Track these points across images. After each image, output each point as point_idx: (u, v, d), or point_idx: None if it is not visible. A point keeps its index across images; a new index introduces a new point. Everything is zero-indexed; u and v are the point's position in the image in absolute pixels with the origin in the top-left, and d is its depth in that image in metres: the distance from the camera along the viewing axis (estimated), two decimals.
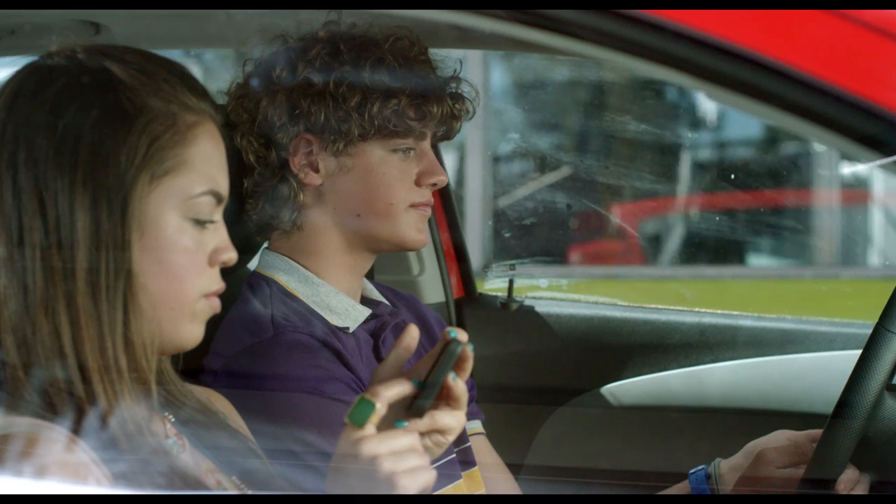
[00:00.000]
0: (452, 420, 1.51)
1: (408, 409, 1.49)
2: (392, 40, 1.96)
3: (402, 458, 1.45)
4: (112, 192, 1.38)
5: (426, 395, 1.47)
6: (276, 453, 1.65)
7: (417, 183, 1.99)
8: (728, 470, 2.07)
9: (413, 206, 1.99)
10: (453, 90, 2.01)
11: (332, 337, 1.93)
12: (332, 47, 1.95)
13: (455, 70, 2.03)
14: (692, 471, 2.11)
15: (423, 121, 1.96)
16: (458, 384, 1.49)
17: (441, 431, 1.51)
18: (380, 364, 1.57)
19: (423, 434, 1.50)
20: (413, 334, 1.56)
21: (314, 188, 1.97)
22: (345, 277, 2.00)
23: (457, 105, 2.00)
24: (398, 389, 1.47)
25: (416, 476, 1.45)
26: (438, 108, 1.97)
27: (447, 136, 2.05)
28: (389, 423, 1.49)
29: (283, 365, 1.88)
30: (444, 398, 1.49)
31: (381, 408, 1.46)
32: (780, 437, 2.07)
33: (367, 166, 1.97)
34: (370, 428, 1.45)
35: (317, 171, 1.96)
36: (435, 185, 2.00)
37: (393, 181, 1.97)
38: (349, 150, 1.96)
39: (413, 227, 1.99)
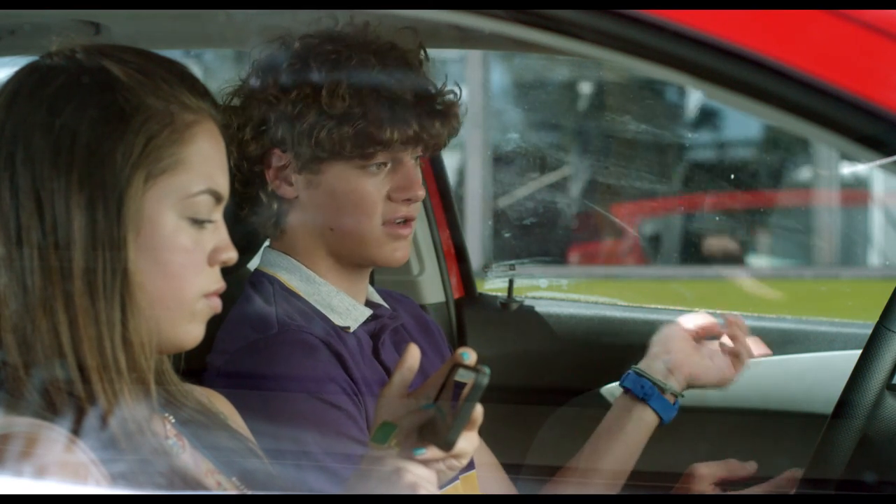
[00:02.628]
0: (467, 444, 1.51)
1: (419, 433, 1.50)
2: (356, 62, 1.92)
3: (421, 481, 1.46)
4: (108, 190, 1.38)
5: (456, 429, 1.47)
6: (274, 452, 1.65)
7: (391, 198, 1.95)
8: (651, 362, 2.17)
9: (387, 223, 1.95)
10: (430, 109, 1.93)
11: (334, 338, 1.93)
12: (301, 63, 1.94)
13: (435, 90, 1.96)
14: (622, 380, 2.17)
15: (378, 146, 1.91)
16: (477, 409, 1.50)
17: (456, 456, 1.51)
18: (385, 386, 1.57)
19: (437, 459, 1.51)
20: (415, 354, 1.56)
21: (292, 199, 1.97)
22: (345, 278, 2.00)
23: (426, 126, 1.93)
24: (415, 418, 1.49)
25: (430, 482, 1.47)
26: (398, 132, 1.91)
27: (429, 153, 2.00)
28: (405, 447, 1.50)
29: (284, 363, 1.88)
30: None
31: (400, 433, 1.48)
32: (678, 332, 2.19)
33: (334, 183, 1.94)
34: (392, 448, 1.47)
35: (290, 184, 1.96)
36: (409, 200, 1.95)
37: (360, 199, 1.94)
38: (312, 168, 1.94)
39: (386, 246, 1.96)
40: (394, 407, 1.53)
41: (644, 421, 2.16)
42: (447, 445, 1.47)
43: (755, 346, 2.21)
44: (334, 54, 1.93)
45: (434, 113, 1.94)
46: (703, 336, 2.21)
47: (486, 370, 1.47)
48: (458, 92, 1.99)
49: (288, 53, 1.95)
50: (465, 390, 1.47)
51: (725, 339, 2.20)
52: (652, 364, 2.18)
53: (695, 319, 2.22)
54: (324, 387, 1.86)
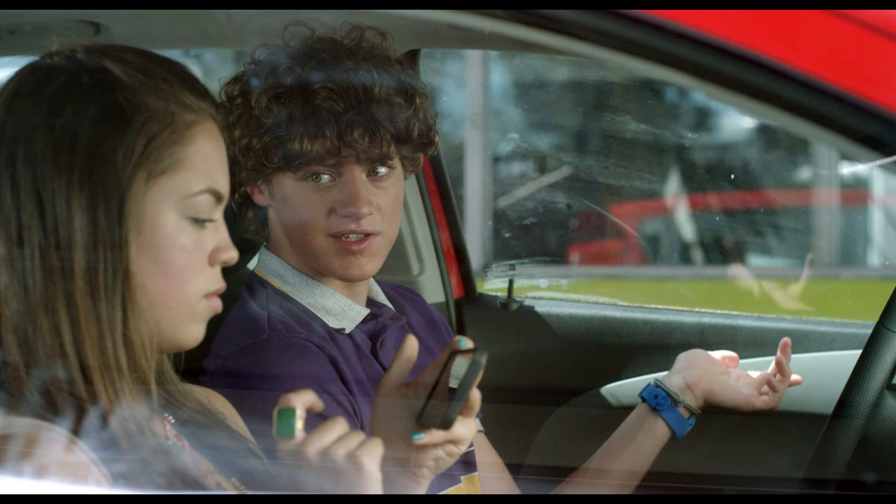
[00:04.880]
0: (465, 430, 1.51)
1: (418, 420, 1.50)
2: (282, 70, 1.91)
3: (347, 440, 1.45)
4: (109, 190, 1.38)
5: (454, 407, 1.47)
6: (270, 454, 1.65)
7: (336, 212, 1.93)
8: (672, 376, 2.20)
9: (335, 237, 1.93)
10: (351, 120, 1.89)
11: (328, 342, 1.93)
12: (242, 78, 1.95)
13: (361, 99, 1.92)
14: (641, 391, 2.20)
15: (300, 158, 1.90)
16: (474, 393, 1.50)
17: (454, 441, 1.51)
18: (384, 376, 1.57)
19: (436, 445, 1.50)
20: (413, 345, 1.56)
21: (266, 206, 1.99)
22: (338, 280, 2.00)
23: (346, 136, 1.89)
24: (307, 396, 1.47)
25: (371, 450, 1.45)
26: (311, 143, 1.89)
27: (376, 163, 1.94)
28: (400, 434, 1.49)
29: (274, 368, 1.88)
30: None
31: (301, 412, 1.45)
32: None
33: (283, 195, 1.95)
34: (301, 434, 1.45)
35: (262, 192, 1.98)
36: (348, 216, 1.92)
37: (302, 210, 1.94)
38: (262, 178, 1.95)
39: (337, 260, 1.94)
40: (392, 397, 1.53)
41: (655, 432, 2.17)
42: (446, 424, 1.47)
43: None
44: (274, 66, 1.94)
45: (355, 123, 1.90)
46: (730, 364, 2.24)
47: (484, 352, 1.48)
48: (412, 99, 1.95)
49: (244, 70, 1.97)
50: (464, 369, 1.48)
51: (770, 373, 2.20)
52: (672, 377, 2.20)
53: (724, 353, 2.26)
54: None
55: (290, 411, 1.44)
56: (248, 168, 1.95)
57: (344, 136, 1.90)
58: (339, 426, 1.47)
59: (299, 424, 1.44)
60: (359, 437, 1.46)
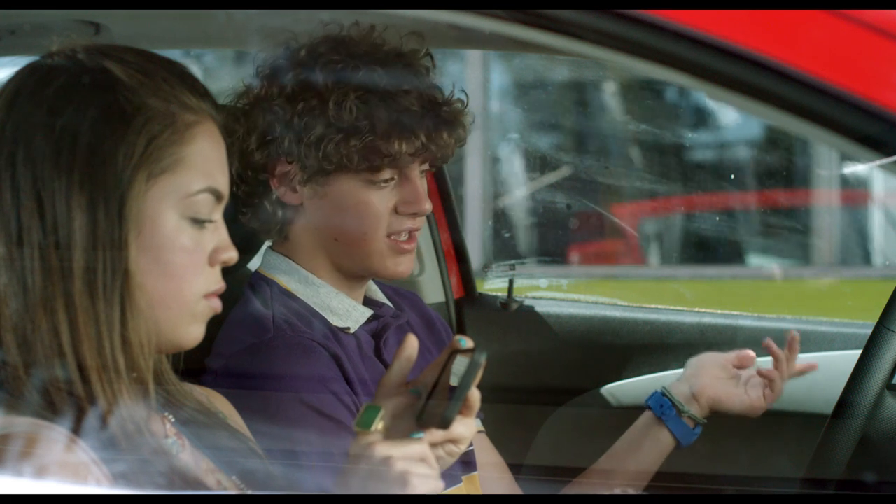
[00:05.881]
0: (465, 429, 1.51)
1: (418, 419, 1.50)
2: (363, 72, 1.90)
3: (415, 463, 1.45)
4: (109, 191, 1.38)
5: (453, 407, 1.47)
6: (273, 453, 1.65)
7: (398, 211, 1.93)
8: (679, 383, 2.18)
9: (392, 235, 1.94)
10: (437, 119, 1.91)
11: (332, 341, 1.93)
12: (308, 74, 1.92)
13: (442, 98, 1.94)
14: (647, 398, 2.19)
15: (386, 159, 1.89)
16: (474, 393, 1.50)
17: (454, 441, 1.51)
18: (384, 375, 1.57)
19: (436, 444, 1.51)
20: (413, 344, 1.56)
21: (296, 206, 1.96)
22: (344, 280, 2.00)
23: (434, 136, 1.90)
24: (400, 399, 1.51)
25: (428, 482, 1.45)
26: (406, 144, 1.89)
27: (437, 165, 1.97)
28: (400, 434, 1.50)
29: (280, 367, 1.88)
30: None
31: (385, 412, 1.48)
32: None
33: (340, 196, 1.93)
34: (377, 434, 1.46)
35: (295, 191, 1.94)
36: (415, 214, 1.94)
37: (365, 212, 1.92)
38: (318, 179, 1.92)
39: (389, 259, 1.94)
40: (392, 396, 1.53)
41: (660, 441, 2.16)
42: (444, 423, 1.47)
43: (801, 364, 2.21)
44: (341, 64, 1.91)
45: (441, 122, 1.92)
46: (742, 365, 2.21)
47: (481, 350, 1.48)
48: (465, 100, 1.97)
49: (293, 62, 1.94)
50: (463, 369, 1.48)
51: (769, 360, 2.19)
52: (679, 386, 2.18)
53: (739, 352, 2.23)
54: (317, 392, 1.86)
55: (377, 409, 1.47)
56: (308, 169, 1.91)
57: (433, 137, 1.90)
58: (420, 448, 1.47)
59: (379, 425, 1.47)
60: (428, 469, 1.47)
